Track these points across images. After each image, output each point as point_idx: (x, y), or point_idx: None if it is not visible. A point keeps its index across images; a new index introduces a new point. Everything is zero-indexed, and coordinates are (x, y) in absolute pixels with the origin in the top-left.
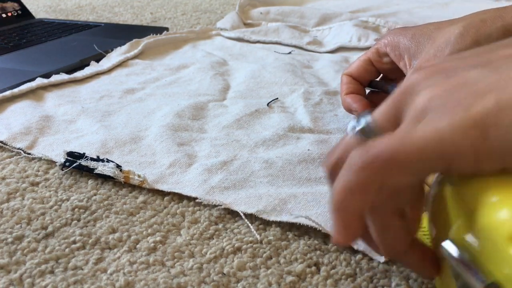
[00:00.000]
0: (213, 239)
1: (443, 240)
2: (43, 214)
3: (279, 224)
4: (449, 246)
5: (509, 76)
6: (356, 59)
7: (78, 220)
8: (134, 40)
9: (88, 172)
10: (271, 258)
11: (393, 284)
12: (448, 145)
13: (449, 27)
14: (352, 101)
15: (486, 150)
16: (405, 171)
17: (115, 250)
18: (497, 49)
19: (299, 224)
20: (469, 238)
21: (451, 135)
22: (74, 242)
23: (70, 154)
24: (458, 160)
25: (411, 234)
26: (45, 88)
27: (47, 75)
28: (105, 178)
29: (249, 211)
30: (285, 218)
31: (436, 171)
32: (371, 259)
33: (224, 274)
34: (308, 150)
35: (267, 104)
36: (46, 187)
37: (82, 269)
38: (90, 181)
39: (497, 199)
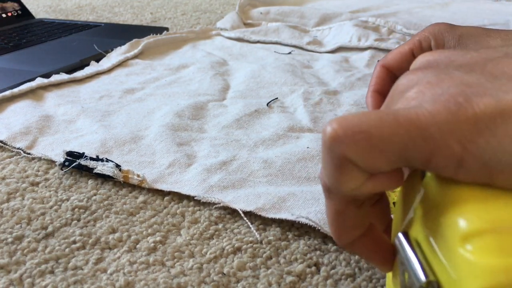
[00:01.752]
0: (213, 239)
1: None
2: (43, 214)
3: (279, 224)
4: (402, 238)
5: (507, 87)
6: (394, 49)
7: (78, 220)
8: (134, 40)
9: (87, 171)
10: (271, 258)
11: None
12: (435, 130)
13: (496, 39)
14: (372, 104)
15: (474, 152)
16: (377, 150)
17: (115, 250)
18: (501, 60)
19: (299, 224)
20: (426, 234)
21: (440, 120)
22: (74, 242)
23: (69, 153)
24: (440, 153)
25: (364, 225)
26: (45, 88)
27: (47, 75)
28: (104, 177)
29: (248, 208)
30: (284, 215)
31: (412, 161)
32: None
33: (224, 274)
34: (308, 147)
35: (267, 104)
36: (46, 187)
37: (82, 269)
38: (90, 181)
39: (463, 202)
